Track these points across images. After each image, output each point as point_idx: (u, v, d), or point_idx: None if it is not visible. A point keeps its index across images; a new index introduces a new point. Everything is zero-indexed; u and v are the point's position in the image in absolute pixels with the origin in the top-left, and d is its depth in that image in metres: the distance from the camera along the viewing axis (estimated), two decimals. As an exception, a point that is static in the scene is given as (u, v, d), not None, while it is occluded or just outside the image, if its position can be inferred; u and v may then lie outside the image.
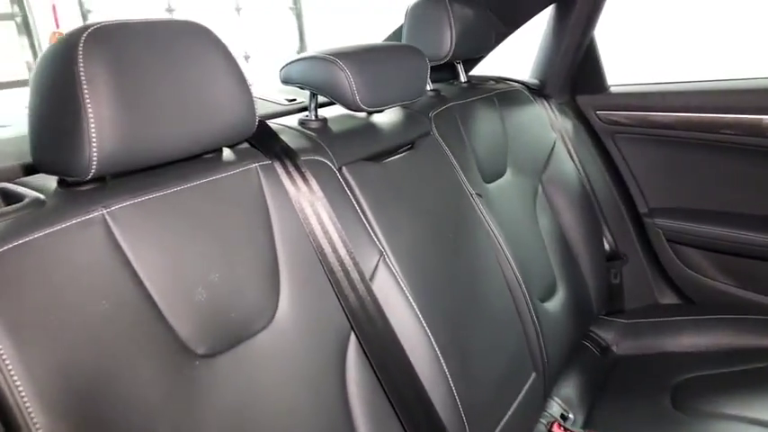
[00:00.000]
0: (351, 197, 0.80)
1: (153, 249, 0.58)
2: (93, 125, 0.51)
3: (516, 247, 1.15)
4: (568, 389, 1.27)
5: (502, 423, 0.93)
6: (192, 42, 0.60)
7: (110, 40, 0.52)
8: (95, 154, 0.51)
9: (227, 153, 0.71)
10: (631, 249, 1.62)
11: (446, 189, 1.01)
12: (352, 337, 0.75)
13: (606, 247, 1.60)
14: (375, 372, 0.74)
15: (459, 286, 0.93)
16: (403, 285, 0.80)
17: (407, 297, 0.80)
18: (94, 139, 0.51)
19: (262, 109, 1.01)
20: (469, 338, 0.90)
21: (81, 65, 0.50)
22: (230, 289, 0.63)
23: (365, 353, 0.74)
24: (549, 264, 1.34)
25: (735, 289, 1.54)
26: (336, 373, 0.72)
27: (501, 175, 1.30)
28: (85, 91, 0.50)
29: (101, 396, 0.52)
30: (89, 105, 0.50)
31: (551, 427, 1.12)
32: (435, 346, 0.80)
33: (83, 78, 0.50)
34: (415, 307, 0.80)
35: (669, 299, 1.63)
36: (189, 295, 0.59)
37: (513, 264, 1.11)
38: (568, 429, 1.12)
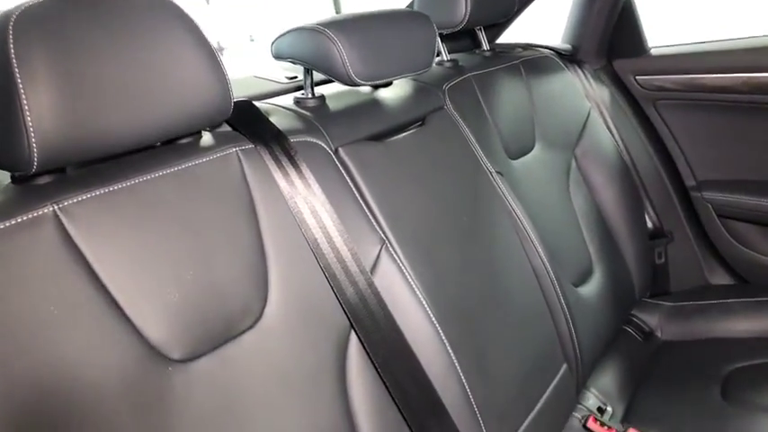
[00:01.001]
0: (348, 181, 0.73)
1: (116, 247, 0.52)
2: (29, 114, 0.45)
3: (545, 228, 1.06)
4: (606, 378, 1.17)
5: (527, 421, 0.85)
6: (151, 17, 0.53)
7: (46, 17, 0.47)
8: (35, 145, 0.46)
9: (205, 138, 0.65)
10: (677, 226, 1.49)
11: (461, 168, 0.93)
12: (353, 336, 0.68)
13: (649, 224, 1.48)
14: (379, 373, 0.68)
15: (475, 275, 0.85)
16: (408, 276, 0.73)
17: (414, 289, 0.73)
18: (32, 130, 0.46)
19: (257, 89, 0.95)
20: (487, 332, 0.82)
21: (12, 47, 0.45)
22: (207, 288, 0.57)
23: (367, 353, 0.68)
24: (585, 245, 1.23)
25: (794, 266, 1.40)
26: (335, 375, 0.66)
27: (529, 150, 1.20)
28: (18, 76, 0.45)
29: (60, 413, 0.47)
30: (23, 92, 0.45)
31: (586, 421, 1.04)
32: (446, 342, 0.73)
33: (14, 62, 0.45)
34: (423, 300, 0.73)
35: (720, 279, 1.50)
36: (158, 296, 0.54)
37: (539, 248, 1.02)
38: (605, 424, 1.03)
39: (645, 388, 1.17)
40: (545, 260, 1.01)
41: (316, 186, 0.68)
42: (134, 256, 0.53)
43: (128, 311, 0.52)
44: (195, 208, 0.58)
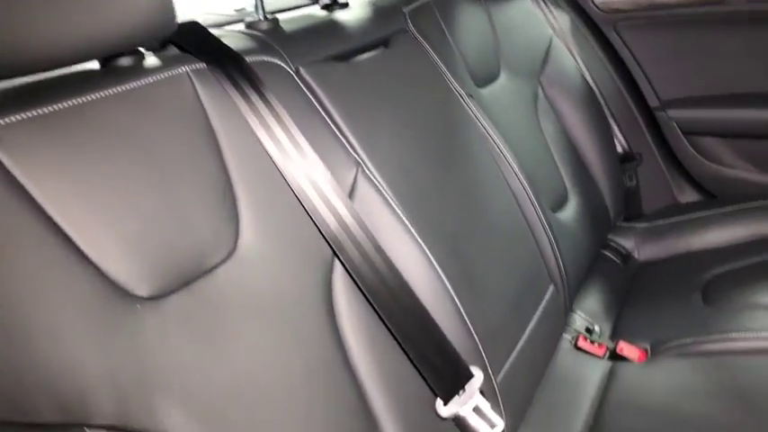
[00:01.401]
0: (314, 102, 0.68)
1: (61, 176, 0.46)
2: None
3: (520, 154, 1.03)
4: (591, 300, 1.17)
5: (522, 341, 0.84)
6: None
7: None
8: None
9: (150, 59, 0.58)
10: (645, 148, 1.49)
11: (431, 90, 0.88)
12: (337, 264, 0.64)
13: (618, 149, 1.47)
14: (369, 300, 0.64)
15: (455, 197, 0.82)
16: (389, 199, 0.69)
17: (396, 211, 0.69)
18: None
19: (204, 21, 0.88)
20: (473, 253, 0.79)
21: None
22: (170, 217, 0.52)
23: (354, 281, 0.64)
24: (558, 172, 1.22)
25: (757, 175, 1.42)
26: (322, 306, 0.62)
27: (494, 78, 1.17)
28: None
29: (19, 360, 0.41)
30: None
31: (577, 341, 1.03)
32: (435, 262, 0.69)
33: None
34: (407, 222, 0.69)
35: (690, 196, 1.52)
36: (116, 228, 0.48)
37: (517, 171, 0.99)
38: (596, 342, 1.03)
39: (629, 306, 1.17)
40: (524, 183, 0.98)
41: (280, 108, 0.62)
42: (83, 186, 0.47)
43: (83, 247, 0.46)
44: (147, 132, 0.52)
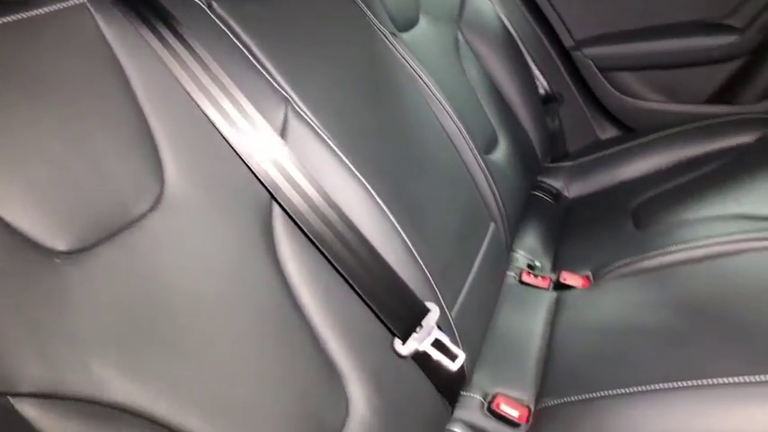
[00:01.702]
0: (233, 38, 0.63)
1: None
2: None
3: (449, 97, 1.02)
4: (529, 239, 1.19)
5: (470, 277, 0.83)
6: None
7: None
8: None
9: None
10: (565, 88, 1.52)
11: (354, 29, 0.85)
12: (276, 208, 0.60)
13: (540, 90, 1.50)
14: (316, 244, 0.60)
15: (390, 137, 0.79)
16: (325, 137, 0.65)
17: (334, 150, 0.65)
18: None
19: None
20: (416, 190, 0.77)
21: None
22: (81, 161, 0.46)
23: (297, 224, 0.60)
24: (486, 115, 1.22)
25: (672, 105, 1.49)
26: (265, 252, 0.58)
27: (414, 22, 1.14)
28: None
29: None
30: None
31: (520, 276, 1.04)
32: (380, 200, 0.67)
33: None
34: (346, 160, 0.66)
35: (611, 132, 1.57)
36: (21, 174, 0.42)
37: (450, 112, 0.98)
38: (539, 275, 1.05)
39: (565, 240, 1.20)
40: (458, 124, 0.97)
41: (195, 44, 0.57)
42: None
43: None
44: (41, 69, 0.46)
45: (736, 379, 0.67)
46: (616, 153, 1.39)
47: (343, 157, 0.65)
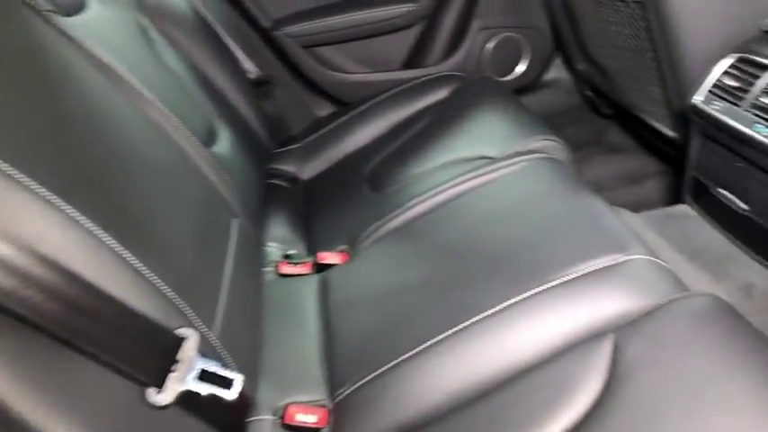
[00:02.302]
0: None
1: None
2: None
3: (152, 87, 0.86)
4: (278, 229, 1.12)
5: (224, 286, 0.71)
6: None
7: None
8: None
9: None
10: (277, 70, 1.47)
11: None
12: None
13: (251, 75, 1.42)
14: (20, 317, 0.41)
15: (83, 139, 0.61)
16: None
17: (13, 179, 0.46)
18: None
19: None
20: (131, 198, 0.61)
21: None
22: None
23: None
24: (198, 104, 1.09)
25: (375, 75, 1.57)
26: None
27: (81, 6, 0.94)
28: None
29: None
30: None
31: (279, 269, 0.96)
32: (85, 222, 0.50)
33: None
34: (32, 186, 0.46)
35: (328, 108, 1.58)
36: None
37: (157, 103, 0.83)
38: (298, 263, 0.98)
39: (313, 222, 1.16)
40: (169, 116, 0.83)
41: None
42: None
43: None
44: None
45: (489, 311, 0.71)
46: (337, 127, 1.40)
47: (29, 185, 0.46)
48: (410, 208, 0.98)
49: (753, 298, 0.90)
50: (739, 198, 0.94)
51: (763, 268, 0.92)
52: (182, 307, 0.58)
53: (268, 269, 0.97)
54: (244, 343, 0.72)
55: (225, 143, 1.08)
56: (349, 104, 1.54)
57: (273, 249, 1.04)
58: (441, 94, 1.38)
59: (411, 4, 1.51)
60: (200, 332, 0.58)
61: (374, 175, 1.19)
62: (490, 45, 1.60)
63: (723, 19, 0.93)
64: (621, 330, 0.65)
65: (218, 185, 0.87)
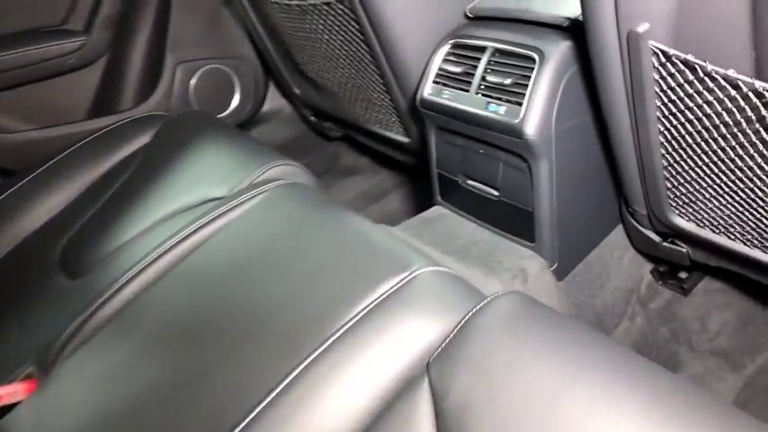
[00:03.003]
0: None
1: None
2: None
3: None
4: None
5: None
6: None
7: None
8: None
9: None
10: None
11: None
12: None
13: None
14: None
15: None
16: None
17: None
18: None
19: None
20: None
21: None
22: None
23: None
24: None
25: (53, 129, 1.23)
26: None
27: None
28: None
29: None
30: None
31: None
32: None
33: None
34: None
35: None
36: None
37: None
38: None
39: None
40: None
41: None
42: None
43: None
44: None
45: (272, 395, 0.50)
46: (4, 204, 1.03)
47: None
48: (124, 287, 0.71)
49: (528, 282, 0.87)
50: (488, 185, 0.90)
51: (528, 250, 0.90)
52: None
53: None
54: None
55: None
56: (16, 172, 1.17)
57: None
58: (142, 139, 1.11)
59: (81, 37, 1.22)
60: None
61: (68, 257, 0.87)
62: (193, 80, 1.39)
63: (431, 10, 0.89)
64: (434, 367, 0.50)
65: None
